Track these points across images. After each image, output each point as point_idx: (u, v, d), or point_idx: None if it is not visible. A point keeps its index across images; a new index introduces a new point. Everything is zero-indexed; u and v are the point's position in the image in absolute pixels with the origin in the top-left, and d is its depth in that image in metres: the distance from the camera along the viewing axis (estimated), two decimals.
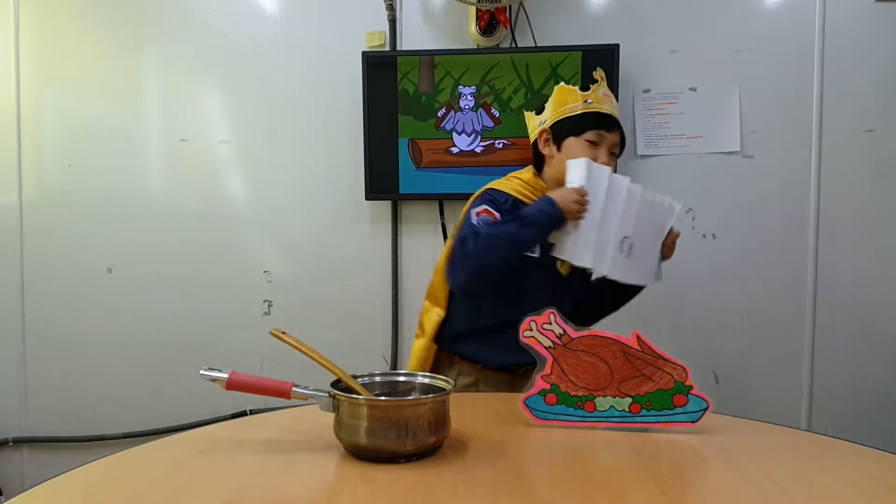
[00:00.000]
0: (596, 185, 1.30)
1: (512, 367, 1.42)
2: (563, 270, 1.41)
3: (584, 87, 1.44)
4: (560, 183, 1.36)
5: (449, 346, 1.48)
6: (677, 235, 1.44)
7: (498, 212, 1.35)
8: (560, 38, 2.12)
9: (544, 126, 1.44)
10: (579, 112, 1.39)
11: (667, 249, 1.43)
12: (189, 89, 2.25)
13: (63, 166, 2.28)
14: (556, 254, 1.31)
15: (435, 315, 1.48)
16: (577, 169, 1.31)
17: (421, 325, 1.51)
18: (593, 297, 1.46)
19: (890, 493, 0.79)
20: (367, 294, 2.24)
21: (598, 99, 1.40)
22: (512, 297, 1.37)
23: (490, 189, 1.42)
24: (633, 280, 1.37)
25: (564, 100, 1.42)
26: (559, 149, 1.41)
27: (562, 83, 1.49)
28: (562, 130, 1.41)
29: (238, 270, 2.26)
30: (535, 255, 1.35)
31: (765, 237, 2.14)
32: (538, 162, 1.48)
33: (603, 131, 1.38)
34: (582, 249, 1.30)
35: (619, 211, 1.33)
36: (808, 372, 2.14)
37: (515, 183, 1.43)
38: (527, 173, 1.46)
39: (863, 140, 2.09)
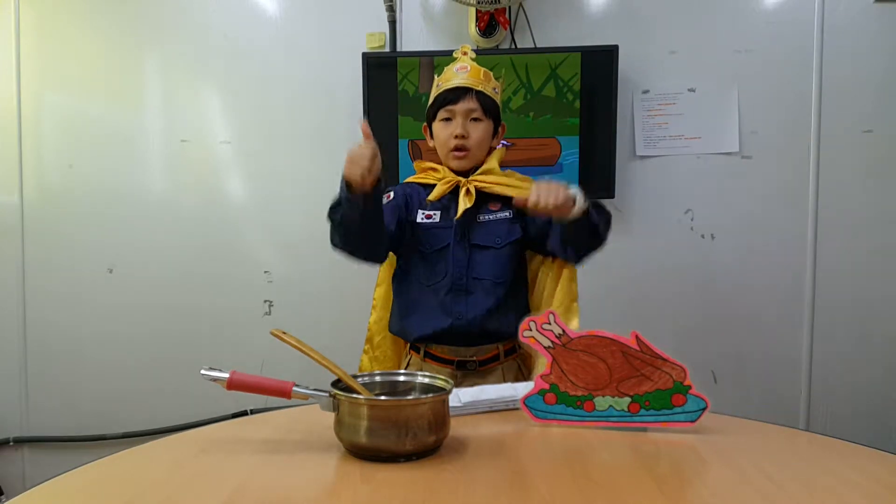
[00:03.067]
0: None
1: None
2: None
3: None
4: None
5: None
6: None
7: (392, 194, 1.47)
8: (559, 40, 2.13)
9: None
10: (432, 99, 1.43)
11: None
12: (190, 90, 2.26)
13: (64, 167, 2.28)
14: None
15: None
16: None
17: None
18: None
19: (889, 492, 0.79)
20: (367, 294, 2.23)
21: (448, 77, 1.41)
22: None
23: None
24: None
25: (431, 94, 1.46)
26: (432, 136, 1.46)
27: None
28: (428, 121, 1.46)
29: (239, 271, 2.27)
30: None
31: (763, 237, 2.14)
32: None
33: (450, 105, 1.38)
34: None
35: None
36: (807, 371, 2.15)
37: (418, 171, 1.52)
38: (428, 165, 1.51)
39: (861, 140, 2.09)
